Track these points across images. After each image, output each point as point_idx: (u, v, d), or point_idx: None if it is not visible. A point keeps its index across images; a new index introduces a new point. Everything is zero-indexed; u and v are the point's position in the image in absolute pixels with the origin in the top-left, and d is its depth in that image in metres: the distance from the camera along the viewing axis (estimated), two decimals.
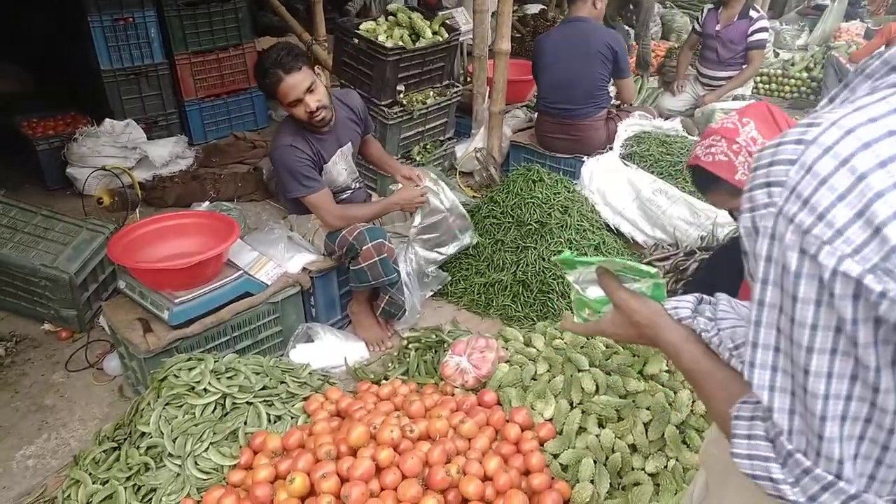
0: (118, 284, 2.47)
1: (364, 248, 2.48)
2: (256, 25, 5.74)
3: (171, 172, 4.01)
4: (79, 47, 4.27)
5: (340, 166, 2.71)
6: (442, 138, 4.18)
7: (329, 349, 2.58)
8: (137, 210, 3.47)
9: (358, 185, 2.86)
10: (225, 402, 2.02)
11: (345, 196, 2.78)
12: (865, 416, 0.54)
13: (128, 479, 1.83)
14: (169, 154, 4.01)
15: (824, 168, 0.51)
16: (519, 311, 2.87)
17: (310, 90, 2.39)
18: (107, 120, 4.01)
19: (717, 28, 4.50)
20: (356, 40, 3.52)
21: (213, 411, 1.99)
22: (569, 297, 2.85)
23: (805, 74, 5.97)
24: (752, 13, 4.43)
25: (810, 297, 0.53)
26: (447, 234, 2.95)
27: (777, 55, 6.46)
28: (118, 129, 3.99)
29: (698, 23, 4.70)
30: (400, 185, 2.81)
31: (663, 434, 1.88)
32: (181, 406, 1.98)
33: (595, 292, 1.03)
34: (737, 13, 4.42)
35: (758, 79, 5.94)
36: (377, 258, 2.50)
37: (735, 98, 4.53)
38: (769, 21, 5.82)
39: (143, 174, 3.94)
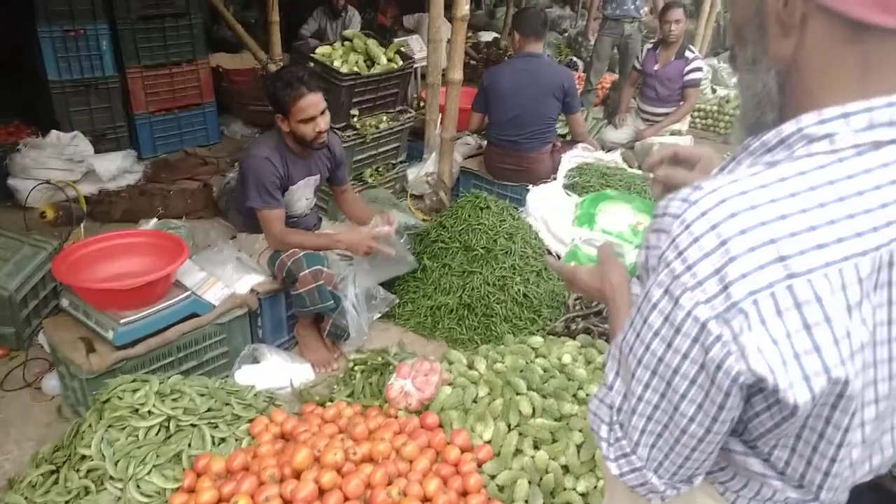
0: (61, 302, 2.44)
1: (301, 273, 2.53)
2: (211, 40, 5.73)
3: (118, 187, 3.96)
4: (26, 56, 4.19)
5: (303, 193, 2.78)
6: (394, 162, 4.27)
7: (275, 370, 2.61)
8: (82, 225, 3.41)
9: (309, 209, 2.91)
10: (169, 424, 2.03)
11: (293, 219, 2.84)
12: (665, 422, 0.70)
13: (66, 503, 1.82)
14: (117, 168, 3.97)
15: (698, 229, 0.61)
16: (464, 334, 2.96)
17: (323, 113, 2.57)
18: (53, 131, 3.94)
19: (655, 67, 4.77)
20: (312, 64, 3.59)
21: (156, 433, 2.00)
22: (511, 322, 2.98)
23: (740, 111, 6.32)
24: (689, 54, 4.72)
25: (654, 325, 0.65)
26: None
27: (714, 91, 6.83)
28: (64, 141, 3.92)
29: (638, 61, 4.97)
30: (376, 222, 2.84)
31: (594, 455, 1.99)
32: (124, 428, 1.98)
33: (589, 251, 1.23)
34: (674, 54, 4.70)
35: (695, 114, 6.27)
36: (314, 284, 2.54)
37: (672, 133, 4.78)
38: (707, 60, 6.16)
39: (89, 188, 3.88)
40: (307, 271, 2.53)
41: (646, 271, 0.70)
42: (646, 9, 5.50)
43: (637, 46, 5.52)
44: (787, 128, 0.65)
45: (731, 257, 0.58)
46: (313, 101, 2.51)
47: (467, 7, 3.58)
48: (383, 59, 3.78)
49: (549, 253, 3.44)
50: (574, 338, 2.68)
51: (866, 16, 0.59)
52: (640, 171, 4.05)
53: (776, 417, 0.64)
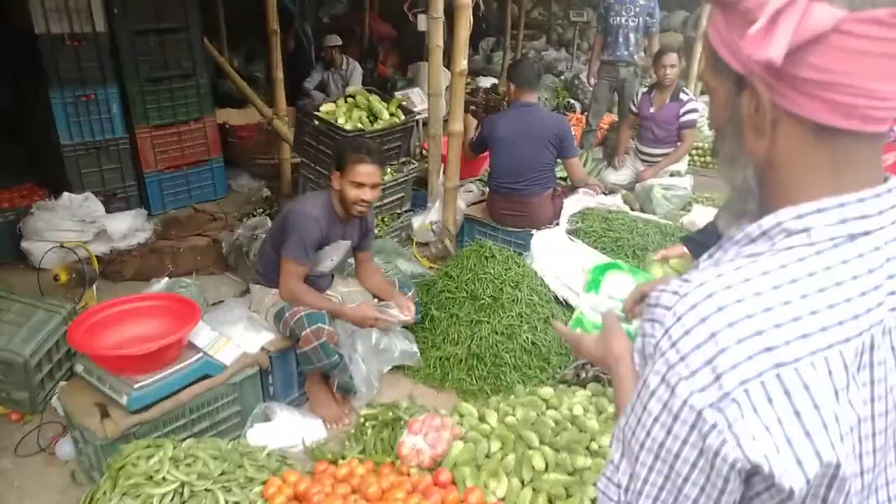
0: (76, 368, 2.48)
1: (303, 332, 2.57)
2: (217, 94, 5.89)
3: (129, 245, 4.04)
4: (38, 120, 4.31)
5: (332, 254, 2.88)
6: (399, 211, 4.35)
7: (286, 428, 2.62)
8: (95, 286, 3.47)
9: (329, 274, 3.03)
10: (183, 490, 2.04)
11: (312, 276, 2.90)
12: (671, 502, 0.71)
13: None
14: (127, 227, 4.05)
15: (689, 321, 0.65)
16: (474, 385, 2.97)
17: (373, 186, 2.74)
18: (65, 194, 4.03)
19: (651, 110, 4.87)
20: (316, 122, 3.69)
21: (171, 500, 2.01)
22: (521, 371, 2.99)
23: None
24: (683, 96, 4.82)
25: (653, 411, 0.67)
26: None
27: (711, 129, 6.92)
28: (76, 203, 4.01)
29: (634, 104, 5.07)
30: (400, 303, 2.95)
31: None
32: (139, 496, 1.99)
33: (594, 318, 1.26)
34: (668, 97, 4.80)
35: (693, 153, 6.36)
36: (317, 343, 2.58)
37: (672, 174, 4.86)
38: (701, 99, 6.28)
39: (100, 248, 3.95)
40: (308, 330, 2.57)
41: (643, 358, 0.73)
42: (641, 53, 5.63)
43: (633, 89, 5.65)
44: (767, 221, 0.69)
45: (722, 349, 0.62)
46: (370, 171, 2.71)
47: (465, 62, 3.69)
48: (385, 115, 3.89)
49: (557, 300, 3.48)
50: (584, 386, 2.69)
51: (830, 121, 0.64)
52: (642, 214, 4.11)
53: (776, 498, 0.67)
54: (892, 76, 0.62)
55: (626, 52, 5.55)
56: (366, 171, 2.70)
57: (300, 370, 2.83)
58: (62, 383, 2.82)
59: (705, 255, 0.83)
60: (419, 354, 3.07)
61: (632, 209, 4.37)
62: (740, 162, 0.74)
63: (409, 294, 3.06)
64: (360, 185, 2.70)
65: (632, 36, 5.48)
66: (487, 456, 2.28)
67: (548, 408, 2.50)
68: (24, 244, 3.85)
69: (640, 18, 5.43)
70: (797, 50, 0.62)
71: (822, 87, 0.63)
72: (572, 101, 8.00)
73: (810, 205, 0.67)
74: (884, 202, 0.68)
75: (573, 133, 3.90)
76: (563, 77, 9.25)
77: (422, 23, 4.03)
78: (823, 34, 0.60)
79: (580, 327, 1.29)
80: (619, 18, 5.48)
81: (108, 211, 4.20)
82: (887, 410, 0.69)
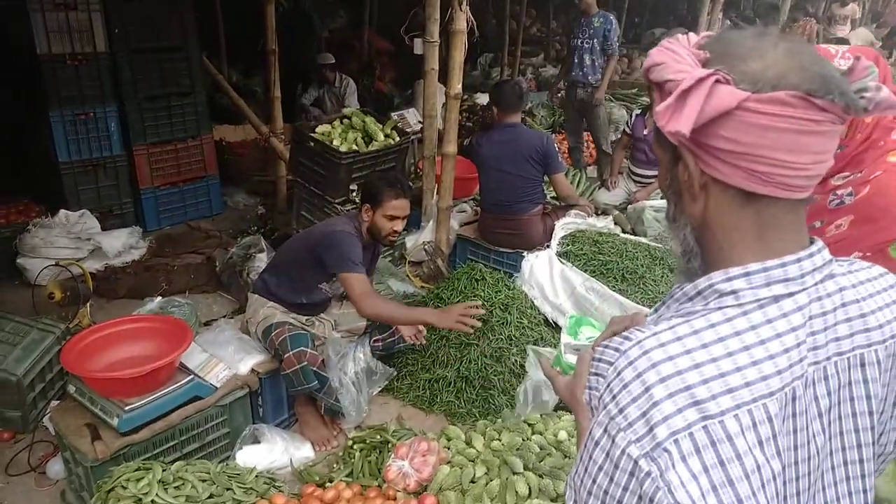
0: (68, 388, 2.51)
1: (286, 355, 2.60)
2: (214, 109, 5.94)
3: (123, 263, 4.07)
4: (36, 138, 4.36)
5: None
6: None
7: (275, 450, 2.65)
8: (88, 304, 3.50)
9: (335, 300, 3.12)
10: None
11: (318, 299, 2.99)
12: None
13: None
14: (122, 245, 4.09)
15: (627, 376, 0.70)
16: (462, 408, 3.00)
17: (404, 218, 2.90)
18: (62, 211, 4.08)
19: (644, 132, 4.94)
20: (312, 143, 3.74)
21: None
22: (509, 394, 3.02)
23: None
24: None
25: (598, 460, 0.72)
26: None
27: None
28: (72, 220, 4.05)
29: (628, 126, 5.14)
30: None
31: None
32: None
33: (571, 359, 1.33)
34: None
35: None
36: (298, 366, 2.60)
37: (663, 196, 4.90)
38: None
39: (95, 264, 3.99)
40: (291, 353, 2.60)
41: (591, 409, 0.78)
42: (598, 75, 5.68)
43: (589, 111, 5.75)
44: (702, 282, 0.76)
45: (654, 402, 0.67)
46: (402, 205, 2.87)
47: (459, 86, 3.75)
48: (380, 136, 3.94)
49: (546, 323, 3.52)
50: (570, 412, 2.72)
51: (750, 187, 0.71)
52: (633, 236, 4.15)
53: None
54: (799, 148, 0.69)
55: (580, 73, 5.69)
56: (400, 205, 2.85)
57: (289, 392, 2.86)
58: (54, 402, 2.85)
59: (652, 310, 0.89)
60: (406, 375, 3.10)
61: (623, 230, 4.41)
62: (680, 223, 0.80)
63: None
64: (393, 217, 2.85)
65: (586, 57, 5.62)
66: (473, 481, 2.31)
67: (533, 433, 2.53)
68: (20, 261, 3.89)
69: (595, 41, 5.57)
70: (709, 124, 0.69)
71: (736, 157, 0.70)
72: None
73: (738, 269, 0.73)
74: (806, 265, 0.74)
75: (557, 150, 3.99)
76: (560, 94, 9.34)
77: (418, 46, 4.09)
78: (729, 111, 0.68)
79: (559, 367, 1.34)
80: (576, 40, 5.70)
81: (103, 228, 4.25)
82: (810, 455, 0.74)
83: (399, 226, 2.89)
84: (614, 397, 0.71)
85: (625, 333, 0.76)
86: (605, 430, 0.71)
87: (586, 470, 0.75)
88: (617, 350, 0.74)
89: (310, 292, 2.93)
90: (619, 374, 0.71)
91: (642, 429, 0.67)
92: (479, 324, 2.70)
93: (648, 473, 0.67)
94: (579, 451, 0.80)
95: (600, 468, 0.72)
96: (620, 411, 0.69)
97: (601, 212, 4.65)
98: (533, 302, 3.58)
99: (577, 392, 1.10)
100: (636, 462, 0.67)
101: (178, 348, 2.43)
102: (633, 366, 0.70)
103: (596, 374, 0.77)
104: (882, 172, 1.67)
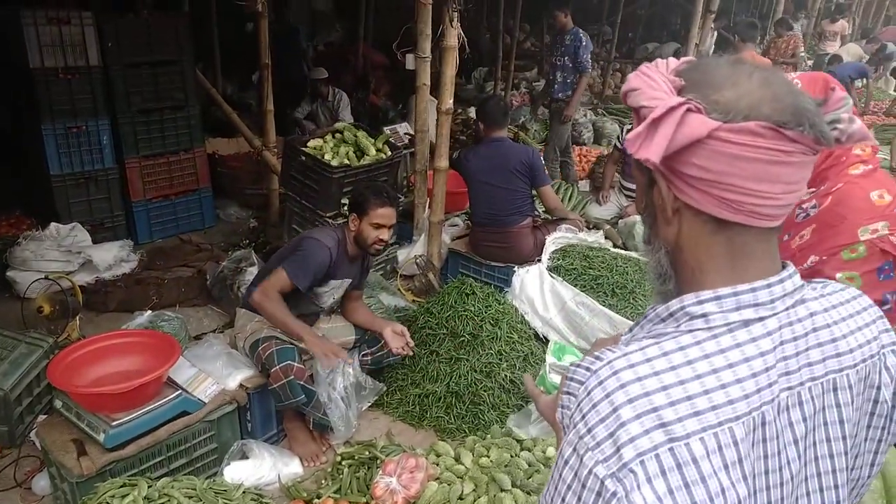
0: (55, 404, 2.49)
1: (272, 369, 2.60)
2: (207, 121, 5.95)
3: (114, 276, 4.06)
4: (28, 150, 4.36)
5: (334, 292, 2.98)
6: None
7: (263, 466, 2.63)
8: (78, 317, 3.49)
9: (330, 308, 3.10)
10: None
11: (306, 311, 2.98)
12: None
13: None
14: (113, 258, 4.08)
15: (596, 396, 0.71)
16: (452, 423, 3.00)
17: (390, 227, 2.91)
18: (52, 224, 4.07)
19: None
20: (303, 157, 3.76)
21: None
22: (499, 409, 3.02)
23: None
24: None
25: (567, 479, 0.72)
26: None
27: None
28: (63, 233, 4.05)
29: (619, 141, 5.18)
30: (388, 331, 3.03)
31: None
32: None
33: (555, 379, 1.35)
34: None
35: None
36: (285, 380, 2.60)
37: None
38: None
39: (85, 277, 3.98)
40: (278, 367, 2.59)
41: (563, 428, 0.79)
42: (568, 92, 5.82)
43: (555, 124, 5.91)
44: (673, 304, 0.77)
45: (621, 423, 0.68)
46: (389, 214, 2.89)
47: (451, 102, 3.78)
48: (372, 151, 3.96)
49: (537, 337, 3.52)
50: None
51: (720, 214, 0.73)
52: (623, 251, 4.18)
53: None
54: (769, 178, 0.70)
55: (553, 89, 5.88)
56: (386, 213, 2.86)
57: (277, 407, 2.85)
58: (41, 417, 2.84)
59: (627, 329, 0.90)
60: (396, 390, 3.10)
61: (614, 245, 4.44)
62: (655, 246, 0.82)
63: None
64: (379, 226, 2.86)
65: (558, 74, 5.78)
66: (461, 498, 2.30)
67: (522, 449, 2.53)
68: (10, 273, 3.87)
69: (566, 58, 5.72)
70: (681, 151, 0.70)
71: (707, 185, 0.71)
72: None
73: (709, 292, 0.74)
74: (776, 290, 0.75)
75: (543, 163, 4.03)
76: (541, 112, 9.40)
77: (410, 62, 4.13)
78: (700, 140, 0.69)
79: (543, 386, 1.35)
80: (552, 58, 5.96)
81: (94, 241, 4.24)
82: (783, 481, 0.74)
83: (385, 234, 2.90)
84: (583, 416, 0.71)
85: (596, 353, 0.77)
86: (574, 450, 0.72)
87: (556, 489, 0.75)
88: (588, 369, 0.75)
89: (294, 302, 2.90)
90: (588, 393, 0.72)
91: (609, 449, 0.68)
92: (342, 355, 2.75)
93: (614, 493, 0.67)
94: (552, 471, 0.80)
95: (569, 487, 0.72)
96: (589, 431, 0.70)
97: (592, 226, 4.68)
98: (523, 317, 3.58)
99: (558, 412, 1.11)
100: (602, 482, 0.68)
101: (165, 363, 2.43)
102: (602, 386, 0.71)
103: (567, 393, 0.77)
104: (843, 184, 1.80)
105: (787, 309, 0.76)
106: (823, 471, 0.79)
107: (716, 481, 0.67)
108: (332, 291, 2.99)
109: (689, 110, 0.69)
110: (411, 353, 3.10)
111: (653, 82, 0.74)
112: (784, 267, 0.78)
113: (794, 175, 0.71)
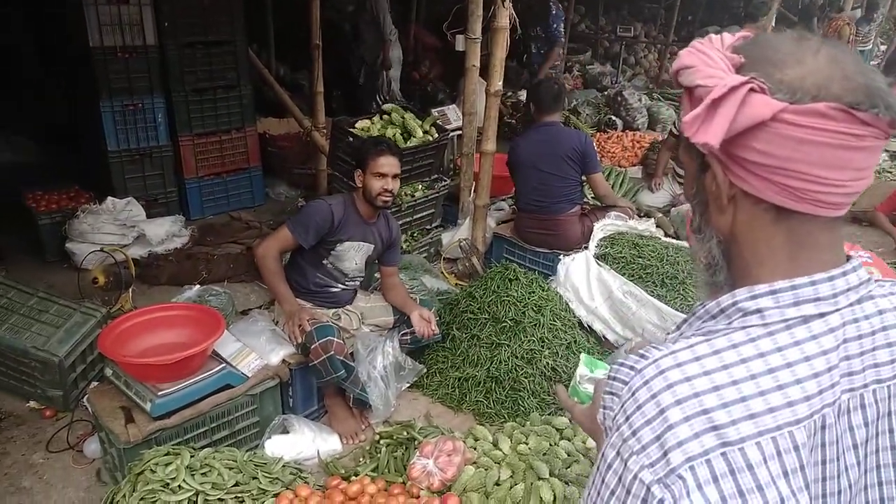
0: (106, 372, 2.58)
1: (312, 346, 2.61)
2: (259, 101, 6.03)
3: (166, 250, 4.17)
4: (86, 127, 4.51)
5: (355, 255, 2.96)
6: (429, 227, 4.38)
7: (303, 441, 2.66)
8: (131, 289, 3.60)
9: (353, 287, 3.08)
10: (197, 499, 2.10)
11: (335, 289, 2.97)
12: None
13: None
14: (165, 232, 4.19)
15: (641, 396, 0.66)
16: (491, 408, 2.97)
17: (395, 176, 2.87)
18: (109, 198, 4.20)
19: None
20: (350, 139, 3.76)
21: None
22: (539, 396, 2.97)
23: None
24: None
25: (610, 483, 0.68)
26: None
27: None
28: (119, 207, 4.17)
29: (675, 126, 4.99)
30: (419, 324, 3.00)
31: None
32: (154, 502, 2.06)
33: (588, 389, 1.28)
34: None
35: None
36: (325, 356, 2.61)
37: None
38: None
39: (139, 251, 4.10)
40: (318, 343, 2.60)
41: (605, 430, 0.74)
42: (541, 62, 6.14)
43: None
44: (725, 300, 0.71)
45: (669, 425, 0.63)
46: (390, 162, 2.86)
47: (500, 83, 3.71)
48: (419, 132, 3.93)
49: (581, 326, 3.45)
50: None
51: (782, 202, 0.66)
52: (675, 240, 4.04)
53: None
54: (838, 164, 0.64)
55: (531, 62, 6.31)
56: (388, 161, 2.83)
57: (318, 383, 2.88)
58: (94, 384, 2.94)
59: (674, 327, 0.84)
60: (436, 372, 3.09)
61: (666, 234, 4.30)
62: (706, 235, 0.76)
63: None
64: (382, 175, 2.82)
65: (532, 45, 6.19)
66: (497, 483, 2.27)
67: (561, 438, 2.48)
68: (69, 245, 4.02)
69: (538, 28, 6.01)
70: (742, 135, 0.64)
71: (769, 171, 0.65)
72: (613, 118, 7.90)
73: (764, 286, 0.68)
74: (839, 284, 0.68)
75: (595, 149, 3.92)
76: (606, 92, 9.14)
77: (460, 43, 4.07)
78: (763, 122, 0.63)
79: (576, 397, 1.30)
80: (529, 30, 6.10)
81: (148, 216, 4.36)
82: (841, 489, 0.69)
83: (390, 184, 2.85)
84: (628, 418, 0.67)
85: (641, 351, 0.72)
86: (618, 453, 0.67)
87: (598, 493, 0.71)
88: (632, 368, 0.70)
89: (315, 269, 2.94)
90: (633, 393, 0.67)
91: (656, 453, 0.63)
92: (300, 338, 2.68)
93: (661, 501, 0.63)
94: (592, 474, 0.76)
95: (612, 492, 0.68)
96: (634, 433, 0.65)
97: (643, 214, 4.54)
98: (567, 304, 3.51)
99: (597, 417, 1.06)
100: (649, 488, 0.63)
101: (211, 337, 2.47)
102: (648, 386, 0.66)
103: (611, 393, 0.73)
104: None
105: (850, 305, 0.69)
106: (886, 480, 0.72)
107: (774, 490, 0.61)
108: (349, 254, 2.93)
109: (751, 90, 0.63)
110: (433, 333, 3.03)
111: (709, 59, 0.68)
112: (848, 259, 0.71)
113: (864, 161, 0.65)
